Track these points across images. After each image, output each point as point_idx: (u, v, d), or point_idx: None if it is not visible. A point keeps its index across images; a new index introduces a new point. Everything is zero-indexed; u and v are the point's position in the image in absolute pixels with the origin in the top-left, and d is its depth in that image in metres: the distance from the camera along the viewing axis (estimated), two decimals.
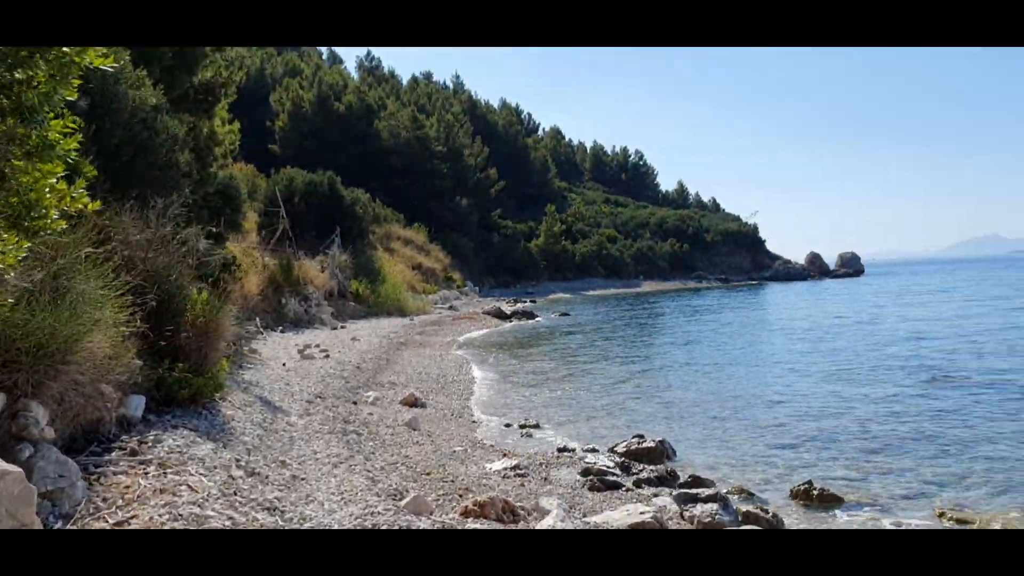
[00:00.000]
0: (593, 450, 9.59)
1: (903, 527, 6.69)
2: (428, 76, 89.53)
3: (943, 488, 7.75)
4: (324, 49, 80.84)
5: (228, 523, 4.39)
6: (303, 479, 6.13)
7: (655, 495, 7.57)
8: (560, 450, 9.49)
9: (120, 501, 4.37)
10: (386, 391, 12.57)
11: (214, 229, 13.40)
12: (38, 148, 3.97)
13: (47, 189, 4.02)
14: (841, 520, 7.00)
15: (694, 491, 7.35)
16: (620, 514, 6.31)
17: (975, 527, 6.60)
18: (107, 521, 4.09)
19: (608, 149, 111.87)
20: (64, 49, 3.83)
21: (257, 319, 17.57)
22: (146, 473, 4.89)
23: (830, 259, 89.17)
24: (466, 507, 6.00)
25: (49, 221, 4.07)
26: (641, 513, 6.21)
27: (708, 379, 15.72)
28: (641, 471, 8.48)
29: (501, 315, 33.71)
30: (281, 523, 4.81)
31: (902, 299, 41.79)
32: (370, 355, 16.63)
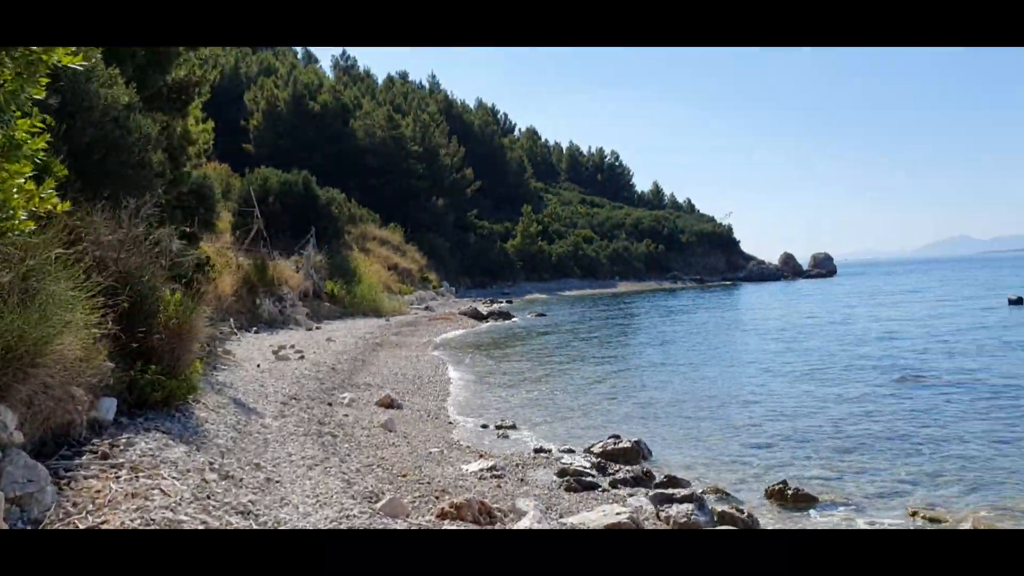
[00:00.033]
0: (569, 451, 9.60)
1: (877, 527, 6.75)
2: (404, 76, 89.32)
3: (916, 487, 7.84)
4: (299, 48, 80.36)
5: (201, 527, 4.34)
6: (278, 482, 6.08)
7: (631, 495, 7.58)
8: (536, 451, 9.49)
9: (91, 506, 4.30)
10: (362, 392, 12.51)
11: (188, 229, 13.26)
12: (5, 148, 3.90)
13: (15, 189, 3.95)
14: (815, 520, 7.06)
15: (670, 491, 7.38)
16: (596, 515, 6.31)
17: (947, 526, 6.68)
18: (77, 527, 4.02)
19: (584, 149, 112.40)
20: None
21: (231, 320, 17.41)
22: (118, 477, 4.82)
23: (803, 260, 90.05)
24: (442, 509, 5.98)
25: (17, 222, 4.00)
26: (617, 514, 6.21)
27: (683, 379, 15.80)
28: (617, 471, 8.50)
29: (477, 316, 33.69)
30: (255, 527, 4.77)
31: (874, 299, 42.28)
32: (345, 356, 16.55)
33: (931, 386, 13.63)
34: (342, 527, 5.12)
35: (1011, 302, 32.11)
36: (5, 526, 3.55)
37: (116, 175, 8.76)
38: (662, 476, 8.34)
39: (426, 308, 35.95)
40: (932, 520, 6.84)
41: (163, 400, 6.90)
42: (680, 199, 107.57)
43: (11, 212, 3.94)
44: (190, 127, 14.19)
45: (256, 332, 18.75)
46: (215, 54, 40.98)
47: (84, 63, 4.08)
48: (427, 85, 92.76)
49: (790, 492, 7.53)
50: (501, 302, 47.61)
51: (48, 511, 4.15)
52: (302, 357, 14.75)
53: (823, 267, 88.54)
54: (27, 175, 3.99)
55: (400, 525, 5.42)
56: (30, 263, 5.14)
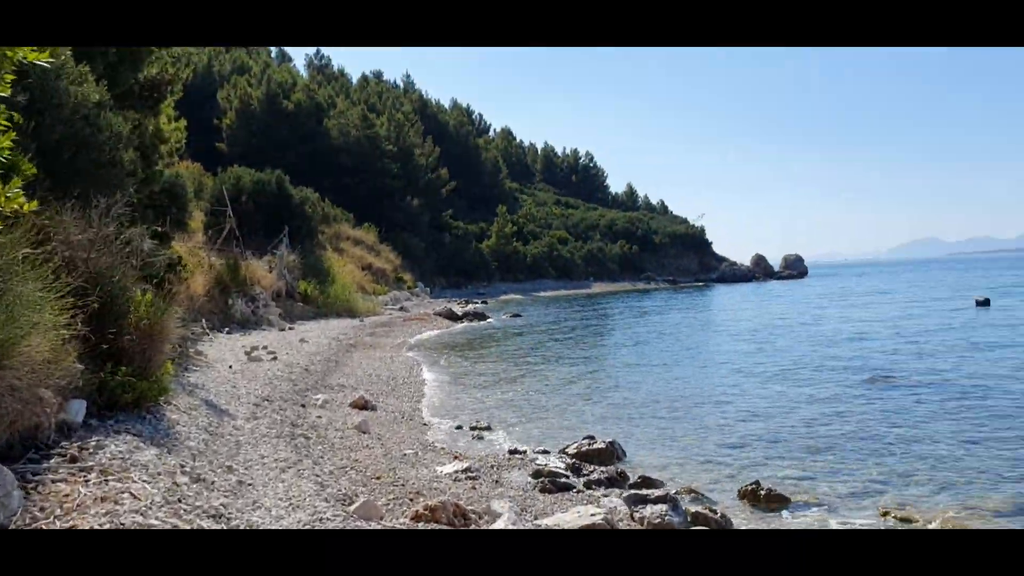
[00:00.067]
0: (544, 452, 9.61)
1: (849, 527, 6.83)
2: (378, 75, 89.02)
3: (886, 487, 7.93)
4: (273, 47, 79.80)
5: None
6: (250, 484, 6.02)
7: (605, 496, 7.60)
8: (511, 452, 9.49)
9: (59, 510, 4.23)
10: (335, 394, 12.43)
11: (159, 229, 13.13)
12: None
13: None
14: (787, 520, 7.12)
15: (644, 492, 7.41)
16: (571, 516, 6.32)
17: (917, 526, 6.77)
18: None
19: (559, 150, 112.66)
20: None
21: (203, 320, 17.24)
22: (87, 481, 4.74)
23: (775, 261, 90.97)
24: (417, 511, 5.96)
25: None
26: (592, 515, 6.22)
27: (657, 379, 15.89)
28: (592, 472, 8.51)
29: (452, 316, 33.64)
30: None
31: (844, 300, 42.79)
32: (319, 357, 16.44)
33: (901, 386, 13.81)
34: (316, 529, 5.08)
35: (978, 303, 32.62)
36: None
37: (86, 173, 8.64)
38: (636, 477, 8.37)
39: (400, 308, 35.84)
40: (903, 520, 6.92)
41: (134, 402, 6.81)
42: (654, 200, 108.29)
43: None
44: (162, 125, 14.04)
45: (228, 333, 18.57)
46: (187, 52, 40.68)
47: (52, 60, 4.01)
48: (402, 85, 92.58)
49: (763, 493, 7.59)
50: (476, 303, 47.59)
51: (15, 516, 4.08)
52: (275, 358, 14.64)
53: (794, 268, 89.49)
54: None
55: (374, 527, 5.39)
56: None
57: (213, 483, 5.66)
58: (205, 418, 7.99)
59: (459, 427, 11.14)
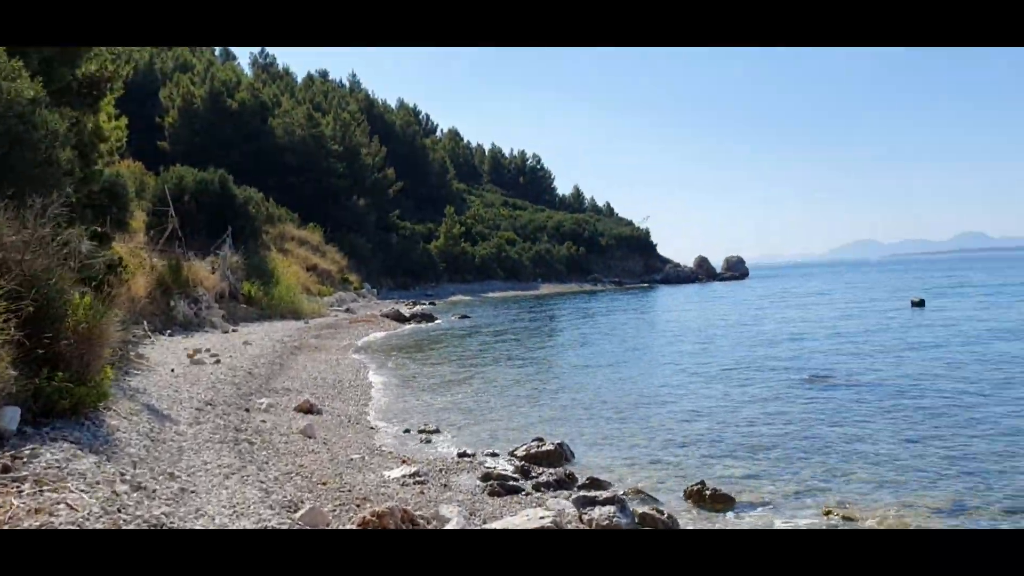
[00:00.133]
0: (493, 454, 9.61)
1: (793, 526, 6.96)
2: (324, 74, 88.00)
3: (828, 486, 8.11)
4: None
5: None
6: (193, 492, 5.89)
7: (554, 498, 7.62)
8: (460, 455, 9.46)
9: None
10: (280, 397, 12.25)
11: (99, 229, 12.79)
12: None
13: None
14: (732, 520, 7.23)
15: (592, 494, 7.46)
16: (520, 519, 6.33)
17: (859, 525, 6.93)
18: None
19: (506, 152, 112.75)
20: None
21: (145, 322, 16.83)
22: (20, 491, 4.59)
23: (717, 263, 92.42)
24: (364, 518, 5.89)
25: None
26: (540, 518, 6.24)
27: (604, 380, 16.01)
28: (541, 474, 8.53)
29: (400, 318, 33.43)
30: None
31: (784, 301, 43.65)
32: (263, 360, 16.19)
33: (840, 386, 14.14)
34: None
35: (914, 304, 33.57)
36: None
37: (20, 172, 8.37)
38: (584, 478, 8.42)
39: (347, 310, 35.48)
40: (846, 519, 7.08)
41: (71, 408, 6.61)
42: (600, 202, 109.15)
43: None
44: (102, 123, 13.67)
45: (170, 335, 18.17)
46: (128, 49, 39.72)
47: None
48: (348, 84, 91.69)
49: (708, 493, 7.69)
50: (424, 304, 47.38)
51: None
52: (218, 361, 14.37)
53: (736, 270, 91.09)
54: None
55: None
56: None
57: (154, 491, 5.52)
58: (146, 423, 7.81)
59: (407, 430, 11.07)
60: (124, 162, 29.97)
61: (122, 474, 5.60)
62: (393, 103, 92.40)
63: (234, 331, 21.64)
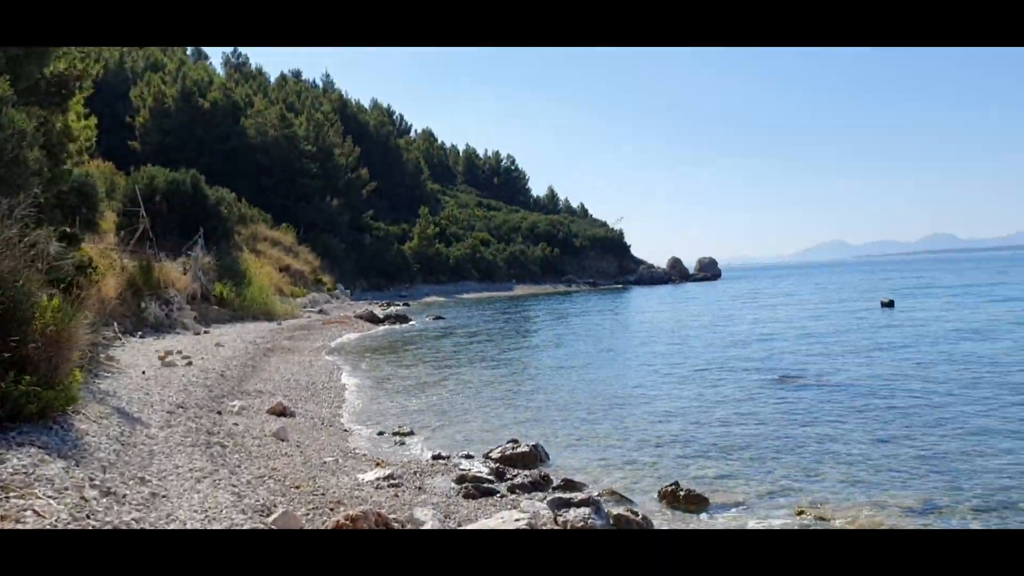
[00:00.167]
0: (468, 456, 9.59)
1: (766, 527, 7.01)
2: (297, 74, 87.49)
3: (801, 486, 8.17)
4: None
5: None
6: (164, 496, 5.82)
7: (529, 500, 7.62)
8: (434, 457, 9.43)
9: None
10: (252, 400, 12.15)
11: (68, 230, 12.61)
12: None
13: None
14: (706, 521, 7.27)
15: (567, 495, 7.46)
16: (495, 522, 6.32)
17: (831, 525, 7.00)
18: None
19: (480, 152, 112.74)
20: None
21: (115, 324, 16.61)
22: None
23: (690, 264, 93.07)
24: (337, 522, 5.85)
25: None
26: (516, 520, 6.24)
27: (578, 381, 16.05)
28: (515, 476, 8.52)
29: (374, 319, 33.30)
30: None
31: (756, 302, 44.03)
32: (235, 362, 16.04)
33: (812, 386, 14.28)
34: None
35: (883, 305, 34.00)
36: None
37: None
38: (559, 480, 8.42)
39: (320, 311, 35.26)
40: (819, 519, 7.14)
41: (39, 412, 6.50)
42: (574, 204, 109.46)
43: None
44: (71, 123, 13.48)
45: (142, 337, 17.96)
46: (98, 48, 39.24)
47: None
48: (321, 84, 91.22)
49: (682, 494, 7.72)
50: (398, 305, 47.25)
51: None
52: (190, 363, 14.22)
53: (708, 271, 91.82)
54: None
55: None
56: None
57: (124, 496, 5.45)
58: (117, 427, 7.69)
59: (381, 433, 11.03)
60: (94, 162, 29.63)
61: (91, 479, 5.52)
62: (367, 103, 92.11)
63: (206, 333, 21.44)
